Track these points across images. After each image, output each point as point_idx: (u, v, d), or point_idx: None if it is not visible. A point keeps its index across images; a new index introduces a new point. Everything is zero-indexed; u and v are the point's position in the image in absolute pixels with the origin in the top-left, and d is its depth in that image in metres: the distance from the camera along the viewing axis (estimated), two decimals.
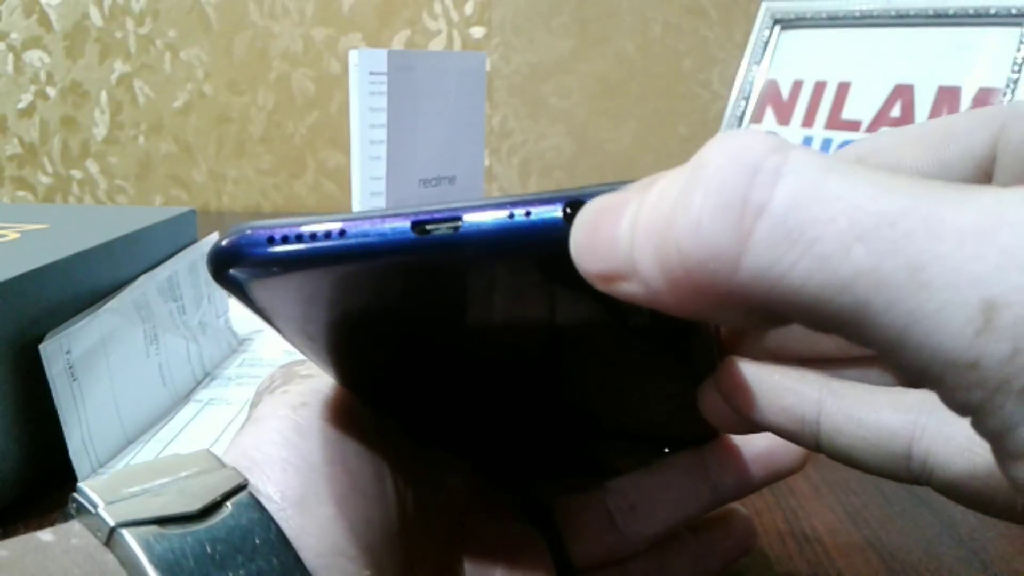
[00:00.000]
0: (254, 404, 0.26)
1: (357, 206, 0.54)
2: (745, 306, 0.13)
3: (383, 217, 0.17)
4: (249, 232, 0.17)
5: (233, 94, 1.05)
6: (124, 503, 0.20)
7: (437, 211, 0.17)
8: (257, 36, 1.04)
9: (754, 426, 0.19)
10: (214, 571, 0.19)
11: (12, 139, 1.07)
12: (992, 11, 0.60)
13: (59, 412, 0.36)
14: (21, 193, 1.09)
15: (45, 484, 0.36)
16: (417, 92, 0.55)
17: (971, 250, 0.12)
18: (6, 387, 0.34)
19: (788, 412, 0.18)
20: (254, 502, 0.21)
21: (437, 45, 1.03)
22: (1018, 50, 0.58)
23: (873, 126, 0.65)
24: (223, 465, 0.22)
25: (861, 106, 0.66)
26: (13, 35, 1.04)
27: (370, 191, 0.55)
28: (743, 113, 0.74)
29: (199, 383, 0.48)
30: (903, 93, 0.64)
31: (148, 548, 0.19)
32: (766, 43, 0.74)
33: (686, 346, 0.20)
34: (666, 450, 0.27)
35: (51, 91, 1.06)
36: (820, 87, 0.69)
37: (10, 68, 1.05)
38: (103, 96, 1.06)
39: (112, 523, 0.19)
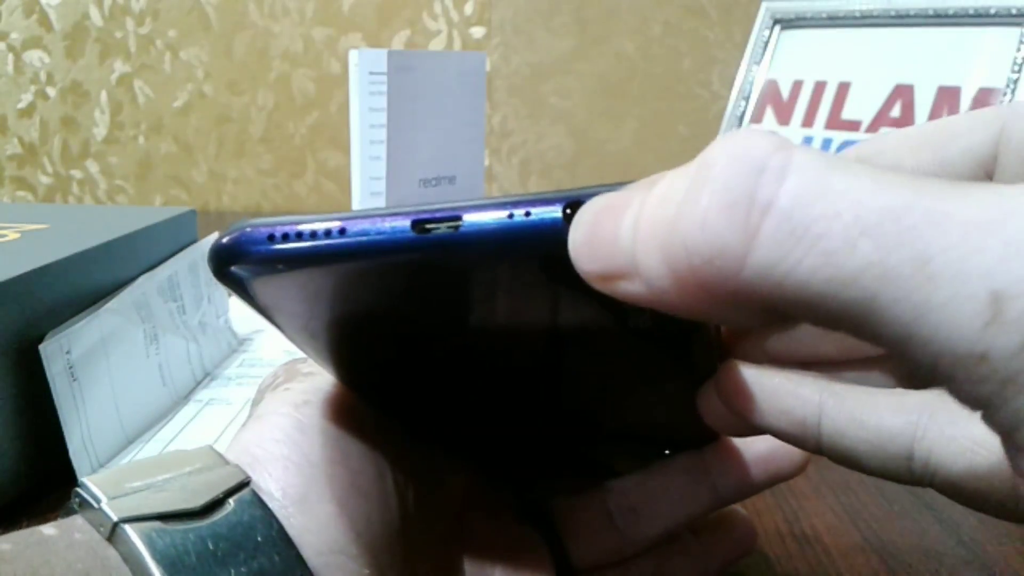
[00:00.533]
0: (256, 401, 0.26)
1: (357, 206, 0.54)
2: (750, 304, 0.13)
3: (383, 216, 0.17)
4: (250, 229, 0.18)
5: (233, 94, 1.05)
6: (127, 498, 0.20)
7: (437, 210, 0.17)
8: (257, 36, 1.04)
9: (754, 430, 0.19)
10: (216, 568, 0.19)
11: (12, 139, 1.07)
12: (992, 11, 0.60)
13: (59, 412, 0.35)
14: (21, 193, 1.09)
15: (45, 484, 0.36)
16: (417, 92, 0.55)
17: (977, 242, 0.12)
18: (6, 387, 0.34)
19: (789, 415, 0.18)
20: (256, 499, 0.21)
21: (437, 45, 1.03)
22: (1018, 50, 0.58)
23: (873, 126, 0.65)
24: (226, 462, 0.22)
25: (861, 106, 0.66)
26: (13, 35, 1.05)
27: (370, 191, 0.55)
28: (743, 113, 0.74)
29: (199, 383, 0.48)
30: (903, 93, 0.64)
31: (151, 544, 0.19)
32: (766, 43, 0.74)
33: (686, 348, 0.20)
34: (666, 452, 0.27)
35: (51, 91, 1.06)
36: (820, 87, 0.69)
37: (10, 68, 1.05)
38: (103, 96, 1.06)
39: (115, 518, 0.19)
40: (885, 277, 0.12)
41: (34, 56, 1.05)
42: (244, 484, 0.21)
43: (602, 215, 0.15)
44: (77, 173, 1.08)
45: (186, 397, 0.46)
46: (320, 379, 0.25)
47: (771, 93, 0.73)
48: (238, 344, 0.54)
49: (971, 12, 0.61)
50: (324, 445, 0.23)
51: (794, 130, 0.69)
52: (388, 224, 0.17)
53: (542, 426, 0.27)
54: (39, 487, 0.36)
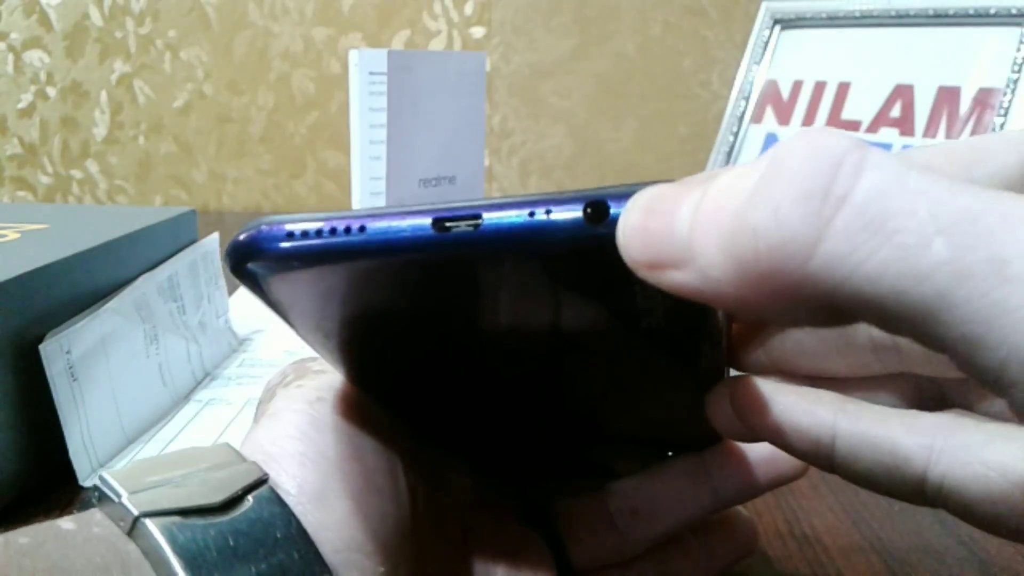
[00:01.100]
0: (265, 400, 0.26)
1: (357, 206, 0.54)
2: (811, 298, 0.13)
3: (403, 213, 0.17)
4: (268, 226, 0.17)
5: (233, 94, 1.05)
6: (147, 493, 0.20)
7: (457, 208, 0.16)
8: (257, 36, 1.04)
9: (764, 441, 0.19)
10: (236, 563, 0.19)
11: (12, 139, 1.07)
12: (992, 11, 0.60)
13: (59, 412, 0.36)
14: (21, 193, 1.09)
15: (45, 484, 0.36)
16: (417, 92, 0.55)
17: None
18: (6, 387, 0.34)
19: (803, 434, 0.18)
20: (275, 496, 0.21)
21: (437, 45, 1.03)
22: (1018, 50, 0.58)
23: (873, 126, 0.65)
24: (243, 459, 0.22)
25: (861, 106, 0.66)
26: (13, 35, 1.04)
27: (370, 191, 0.55)
28: (743, 113, 0.74)
29: (199, 383, 0.48)
30: (903, 93, 0.64)
31: (172, 538, 0.19)
32: (766, 43, 0.74)
33: (696, 350, 0.20)
34: (668, 453, 0.27)
35: (51, 91, 1.06)
36: (820, 87, 0.69)
37: (10, 68, 1.05)
38: (103, 96, 1.06)
39: (136, 512, 0.19)
40: (960, 275, 0.12)
41: (34, 56, 1.05)
42: (262, 481, 0.21)
43: (657, 203, 0.15)
44: (77, 173, 1.08)
45: (186, 397, 0.46)
46: (332, 377, 0.25)
47: (771, 93, 0.73)
48: (238, 344, 0.54)
49: (971, 12, 0.61)
50: (339, 442, 0.22)
51: (794, 130, 0.69)
52: (408, 222, 0.17)
53: (546, 427, 0.27)
54: (39, 487, 0.36)
